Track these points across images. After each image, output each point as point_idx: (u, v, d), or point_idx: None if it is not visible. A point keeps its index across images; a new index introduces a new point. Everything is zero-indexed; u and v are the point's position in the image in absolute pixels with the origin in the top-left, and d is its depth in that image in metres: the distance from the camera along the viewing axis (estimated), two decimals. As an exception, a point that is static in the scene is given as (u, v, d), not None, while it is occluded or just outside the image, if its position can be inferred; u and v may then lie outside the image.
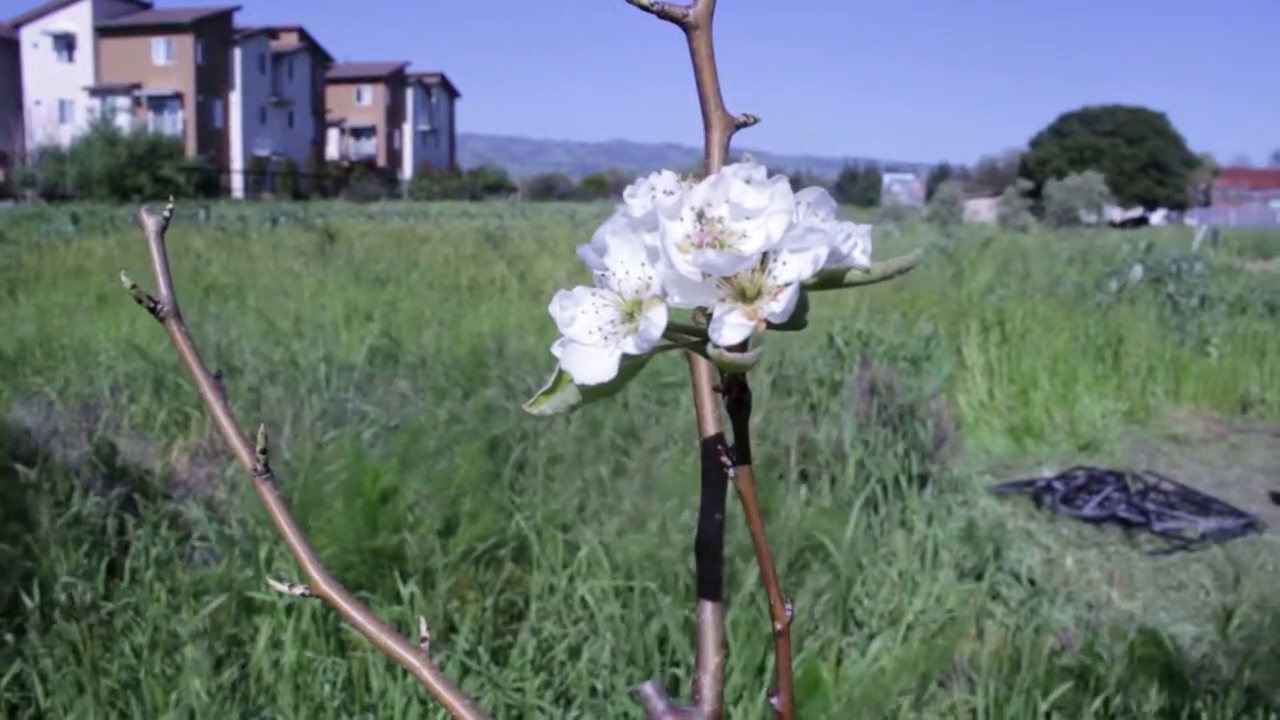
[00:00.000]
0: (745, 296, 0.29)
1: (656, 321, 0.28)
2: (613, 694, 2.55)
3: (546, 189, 64.63)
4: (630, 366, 0.30)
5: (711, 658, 0.40)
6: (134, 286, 0.47)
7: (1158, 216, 50.94)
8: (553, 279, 9.78)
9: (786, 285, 0.28)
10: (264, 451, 0.46)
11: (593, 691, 2.62)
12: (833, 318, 7.66)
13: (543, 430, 4.54)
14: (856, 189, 60.14)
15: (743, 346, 0.29)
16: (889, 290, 9.18)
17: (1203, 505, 4.81)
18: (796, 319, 0.31)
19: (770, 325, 0.29)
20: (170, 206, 0.50)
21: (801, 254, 0.28)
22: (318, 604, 2.72)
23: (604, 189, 67.57)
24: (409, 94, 63.63)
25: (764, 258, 0.29)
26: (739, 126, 0.40)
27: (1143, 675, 2.82)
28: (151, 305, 0.48)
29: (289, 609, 2.74)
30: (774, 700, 0.37)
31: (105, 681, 2.45)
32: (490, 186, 60.53)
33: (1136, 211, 50.60)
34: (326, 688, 2.48)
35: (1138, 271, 11.27)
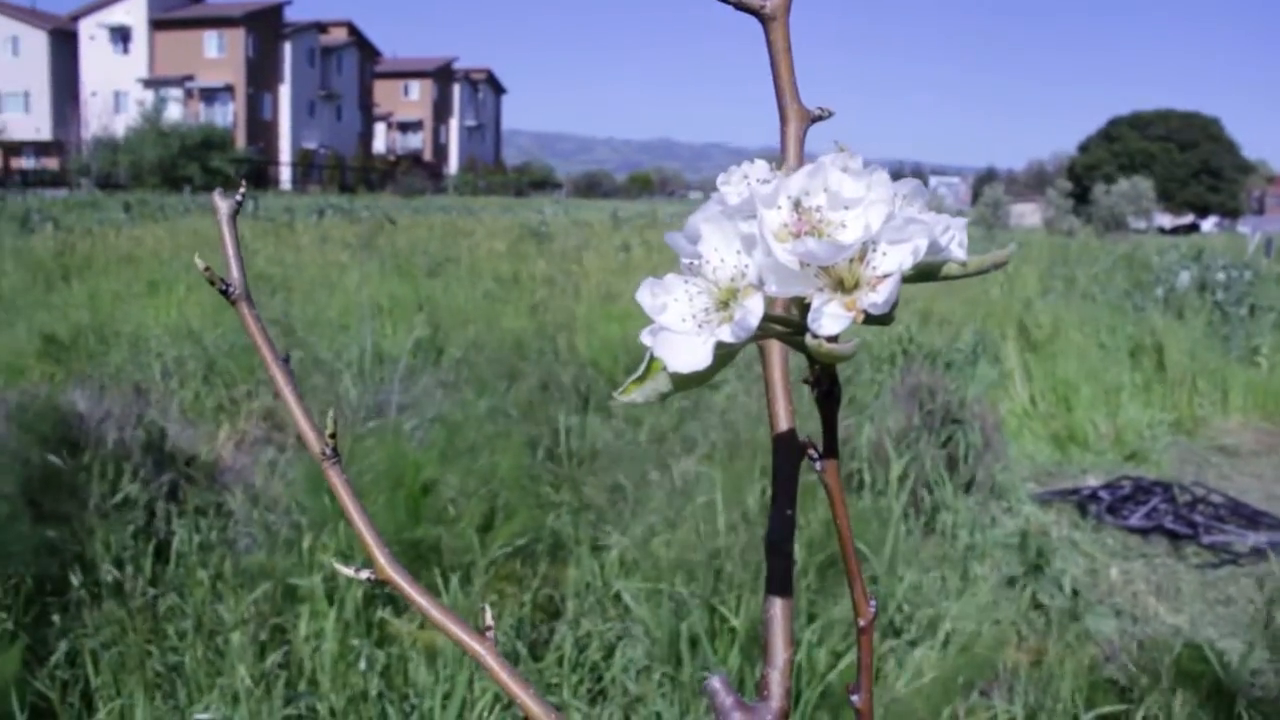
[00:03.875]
0: (844, 287, 0.28)
1: (754, 310, 0.28)
2: (645, 696, 2.55)
3: (591, 186, 64.71)
4: (722, 356, 0.30)
5: (780, 654, 0.40)
6: (207, 269, 0.48)
7: (1209, 224, 50.17)
8: (595, 275, 9.80)
9: (886, 276, 0.28)
10: (333, 436, 0.46)
11: (625, 691, 2.62)
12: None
13: (580, 428, 4.55)
14: (901, 192, 59.45)
15: (838, 338, 0.29)
16: (930, 294, 9.11)
17: (1252, 519, 4.73)
18: (888, 314, 0.30)
19: (867, 317, 0.29)
20: (242, 191, 0.51)
21: (901, 245, 0.28)
22: (359, 595, 2.74)
23: (648, 187, 67.57)
24: (456, 89, 64.00)
25: (862, 248, 0.28)
26: (815, 120, 0.40)
27: (1187, 690, 2.78)
28: (223, 288, 0.48)
29: (330, 598, 2.77)
30: (854, 698, 0.37)
31: (151, 663, 2.48)
32: (535, 183, 60.74)
33: (1187, 218, 49.86)
34: (367, 676, 2.50)
35: (1185, 278, 11.09)
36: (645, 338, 0.30)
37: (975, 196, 41.12)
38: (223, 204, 0.50)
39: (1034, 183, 58.71)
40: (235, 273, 0.48)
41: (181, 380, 5.16)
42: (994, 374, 6.48)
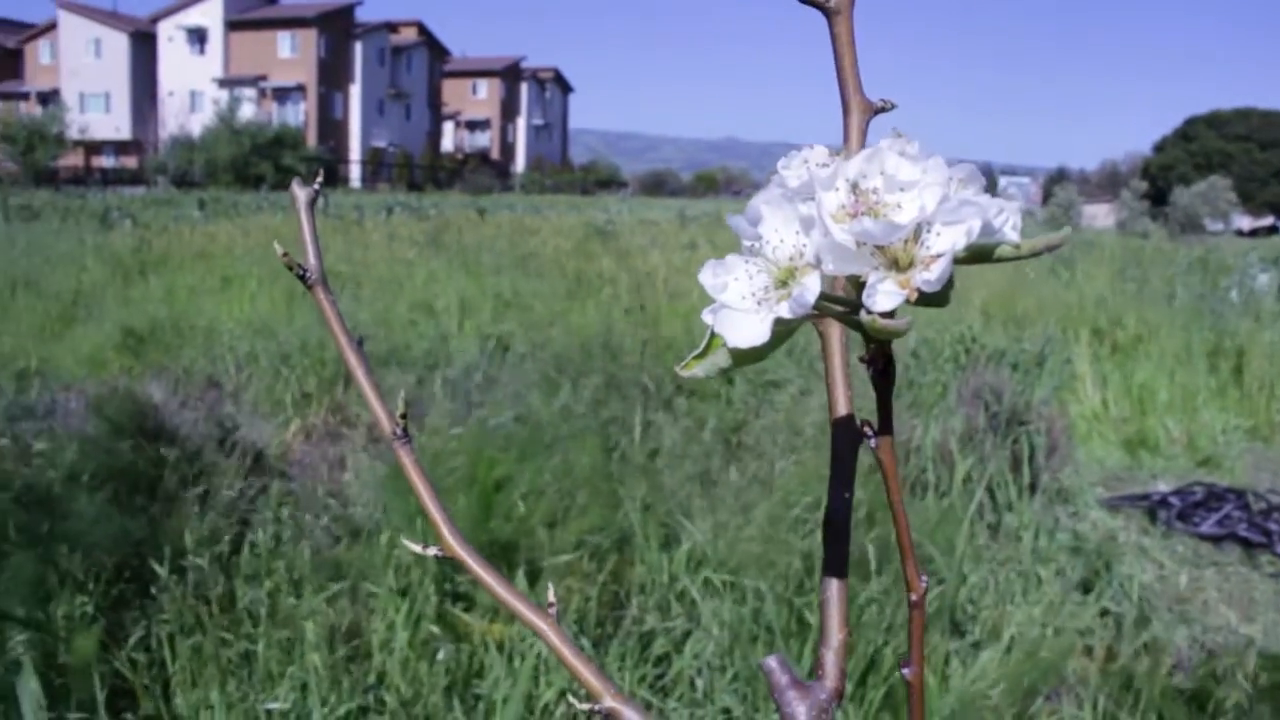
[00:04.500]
0: (898, 266, 0.29)
1: (810, 287, 0.29)
2: (712, 692, 2.56)
3: (657, 184, 64.78)
4: (780, 333, 0.31)
5: (835, 634, 0.41)
6: (285, 254, 0.50)
7: (1291, 225, 48.86)
8: (661, 273, 9.81)
9: (939, 256, 0.29)
10: (403, 416, 0.48)
11: (692, 685, 2.63)
12: (935, 318, 7.55)
13: (648, 425, 4.57)
14: (970, 192, 58.82)
15: (893, 315, 0.30)
16: (998, 294, 9.00)
17: (1329, 527, 4.61)
18: (942, 295, 0.31)
19: (921, 296, 0.30)
20: (320, 181, 0.53)
21: (955, 226, 0.29)
22: (431, 589, 2.79)
23: (714, 186, 67.44)
24: (524, 88, 64.43)
25: (917, 229, 0.29)
26: (877, 111, 0.41)
27: (1264, 703, 2.73)
28: (301, 273, 0.50)
29: (403, 591, 2.81)
30: (905, 671, 0.38)
31: (225, 651, 2.54)
32: (601, 181, 60.94)
33: (1267, 220, 48.62)
34: (436, 669, 2.53)
35: (1263, 281, 10.82)
36: (706, 316, 0.31)
37: (1046, 197, 40.50)
38: (301, 192, 0.52)
39: (1106, 183, 57.63)
40: (312, 259, 0.50)
41: (253, 374, 5.27)
42: (1062, 376, 6.38)
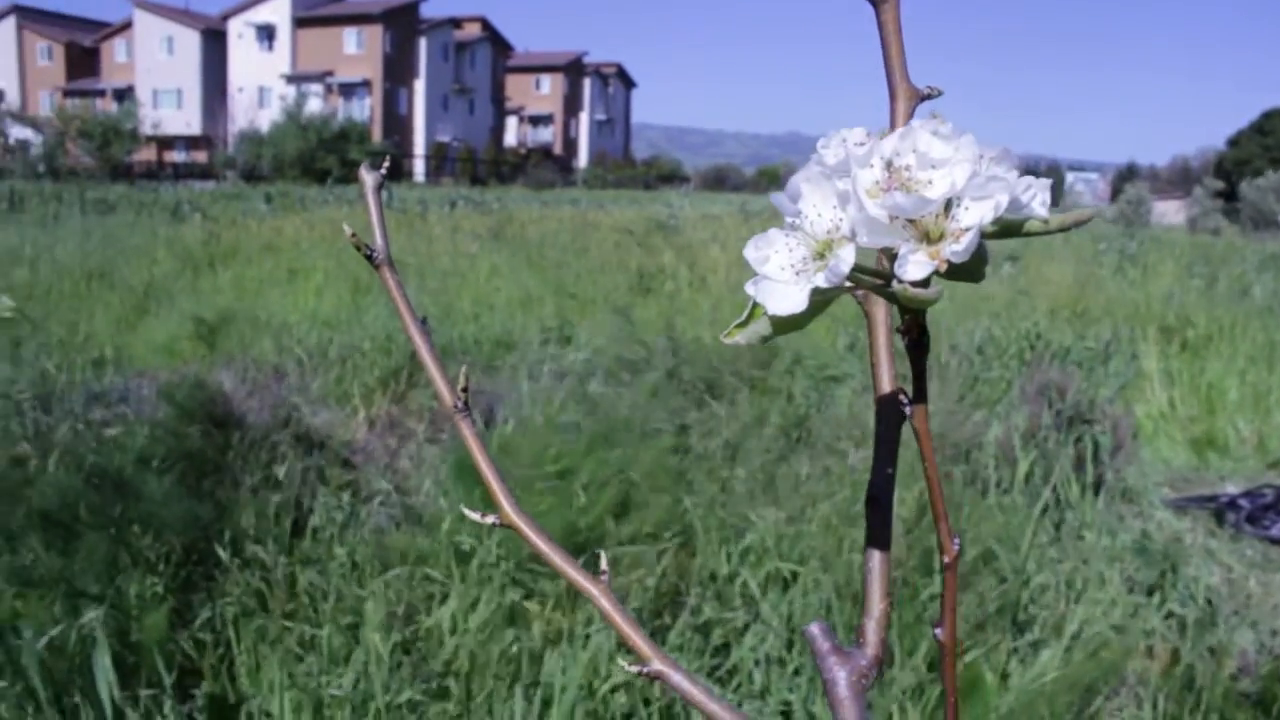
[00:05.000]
0: (929, 239, 0.31)
1: (845, 258, 0.30)
2: (770, 684, 2.57)
3: (719, 180, 64.59)
4: (818, 303, 0.33)
5: (877, 604, 0.42)
6: (353, 235, 0.52)
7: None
8: (721, 268, 9.81)
9: (968, 229, 0.30)
10: (464, 390, 0.50)
11: (750, 678, 2.64)
12: (999, 311, 7.47)
13: (710, 419, 4.58)
14: (1037, 188, 57.94)
15: (925, 285, 0.31)
16: (1064, 291, 8.87)
17: (1405, 531, 4.50)
18: (975, 270, 0.33)
19: (954, 270, 0.31)
20: (386, 165, 0.55)
21: (983, 201, 0.31)
22: (494, 574, 2.83)
23: (776, 181, 67.12)
24: (586, 83, 64.60)
25: (948, 204, 0.31)
26: (923, 98, 0.42)
27: (1328, 705, 2.68)
28: (368, 253, 0.52)
29: (464, 577, 2.86)
30: (937, 631, 0.39)
31: (287, 634, 2.60)
32: (663, 176, 60.90)
33: (1345, 217, 47.25)
34: (498, 655, 2.57)
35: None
36: (749, 287, 0.33)
37: (1115, 193, 39.74)
38: (369, 177, 0.54)
39: (1177, 179, 56.38)
40: (379, 240, 0.53)
41: (319, 365, 5.36)
42: (1129, 374, 6.28)
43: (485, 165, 52.59)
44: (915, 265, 0.30)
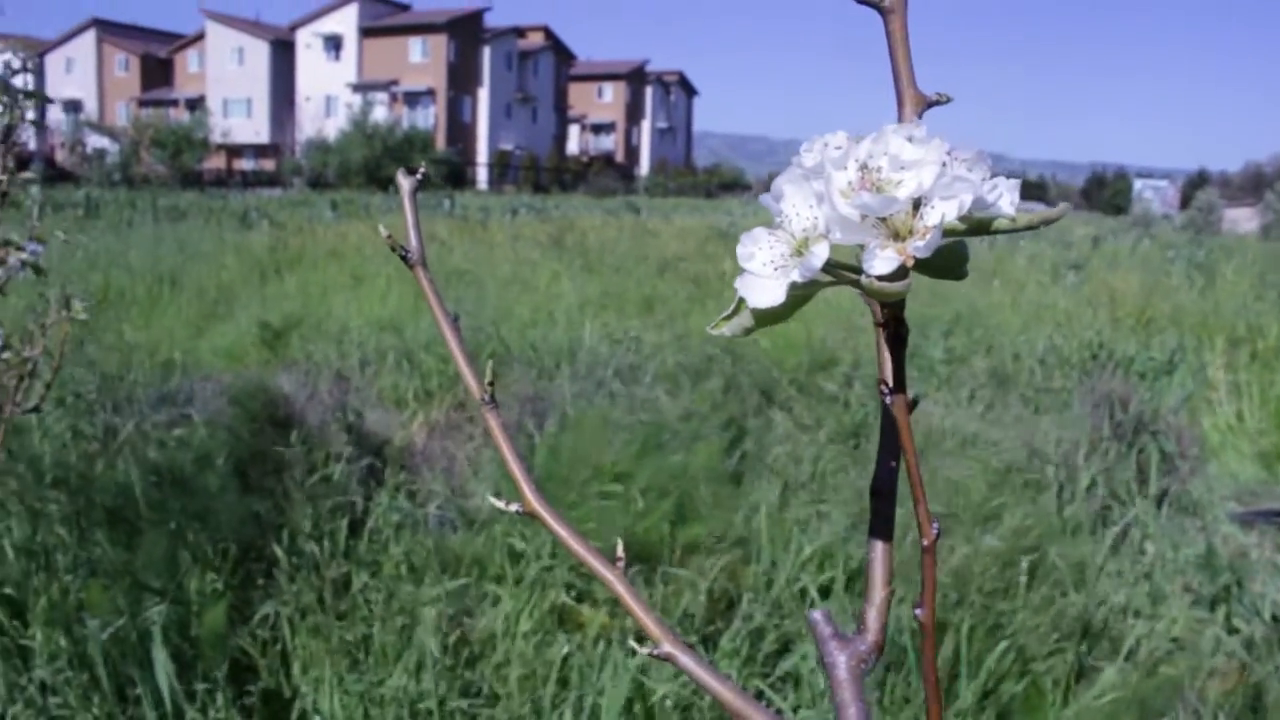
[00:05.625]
0: (898, 236, 0.33)
1: (819, 254, 0.32)
2: (820, 693, 2.57)
3: (779, 188, 64.16)
4: (797, 297, 0.35)
5: (879, 592, 0.44)
6: (389, 236, 0.55)
7: None
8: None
9: (933, 227, 0.32)
10: (490, 384, 0.53)
11: (796, 683, 2.64)
12: (1061, 320, 7.37)
13: (765, 427, 4.58)
14: (1103, 195, 57.23)
15: (895, 280, 0.33)
16: (1128, 299, 8.73)
17: None
18: (955, 268, 0.34)
19: (933, 267, 0.33)
20: (423, 170, 0.58)
21: (949, 200, 0.32)
22: (548, 579, 2.86)
23: (837, 190, 66.60)
24: (648, 92, 64.80)
25: (917, 204, 0.33)
26: (930, 105, 0.44)
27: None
28: (403, 254, 0.55)
29: (518, 580, 2.89)
30: (918, 612, 0.40)
31: (342, 634, 2.65)
32: (725, 184, 60.84)
33: None
34: (549, 659, 2.60)
35: None
36: (736, 283, 0.35)
37: (1185, 201, 38.97)
38: (405, 181, 0.57)
39: (1250, 186, 55.08)
40: (414, 241, 0.55)
41: (380, 369, 5.44)
42: (1195, 385, 6.17)
43: (547, 173, 52.96)
44: (882, 261, 0.32)
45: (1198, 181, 52.98)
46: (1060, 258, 13.45)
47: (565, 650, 2.61)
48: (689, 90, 71.32)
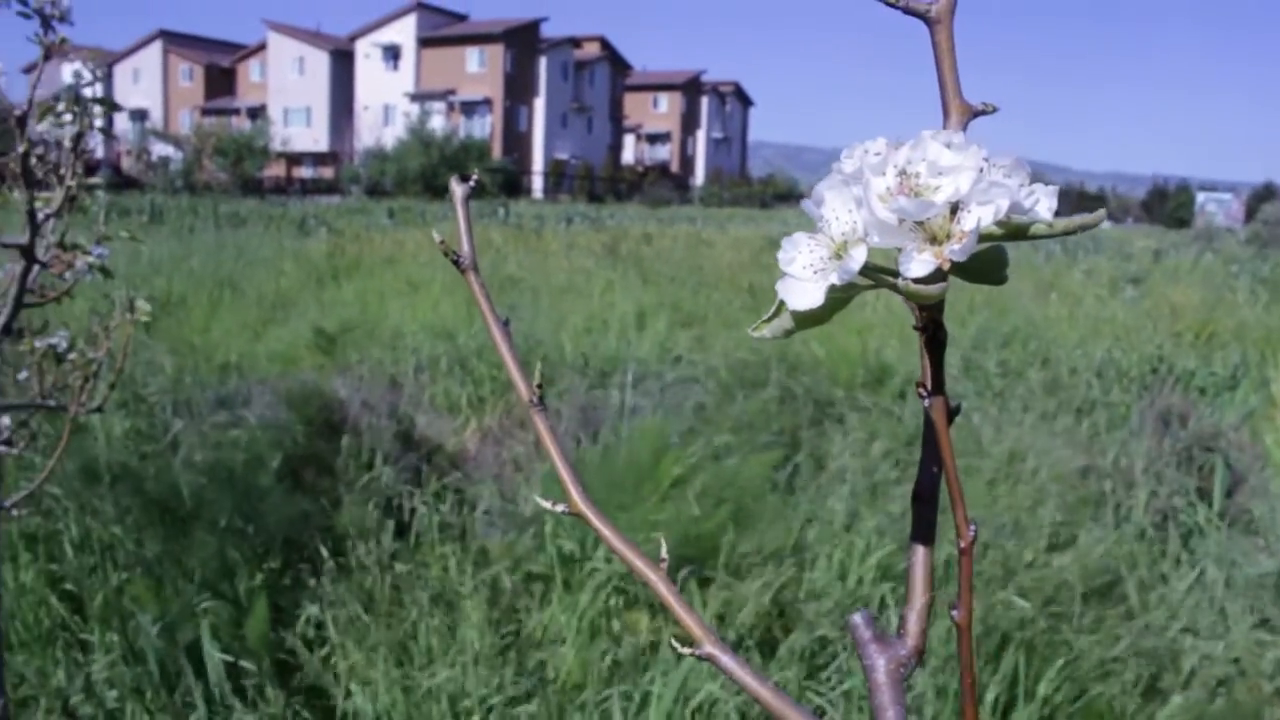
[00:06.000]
0: (935, 240, 0.33)
1: (857, 257, 0.33)
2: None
3: (834, 199, 63.84)
4: (836, 300, 0.35)
5: (919, 597, 0.44)
6: (442, 241, 0.56)
7: None
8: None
9: (969, 231, 0.33)
10: (539, 386, 0.53)
11: (847, 696, 2.63)
12: (1120, 334, 7.27)
13: (820, 439, 4.57)
14: (1165, 208, 56.28)
15: (931, 282, 0.33)
16: (1189, 314, 8.59)
17: None
18: (994, 273, 0.35)
19: (970, 271, 0.34)
20: (476, 176, 0.59)
21: (985, 205, 0.33)
22: (597, 579, 2.87)
23: (893, 200, 66.14)
24: (704, 102, 64.84)
25: (954, 209, 0.33)
26: (976, 114, 0.44)
27: None
28: (455, 258, 0.56)
29: (566, 582, 2.91)
30: (954, 613, 0.41)
31: (389, 632, 2.68)
32: (780, 195, 60.67)
33: None
34: (597, 660, 2.61)
35: None
36: (778, 286, 0.36)
37: (1250, 214, 38.21)
38: (458, 188, 0.58)
39: (1320, 199, 53.86)
40: (466, 246, 0.57)
41: (434, 375, 5.49)
42: (1257, 401, 6.05)
43: (602, 182, 53.17)
44: (919, 264, 0.33)
45: (1264, 194, 51.92)
46: (1119, 271, 13.27)
47: (612, 652, 2.63)
48: (745, 100, 71.27)
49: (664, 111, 63.46)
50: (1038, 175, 0.36)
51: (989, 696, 2.54)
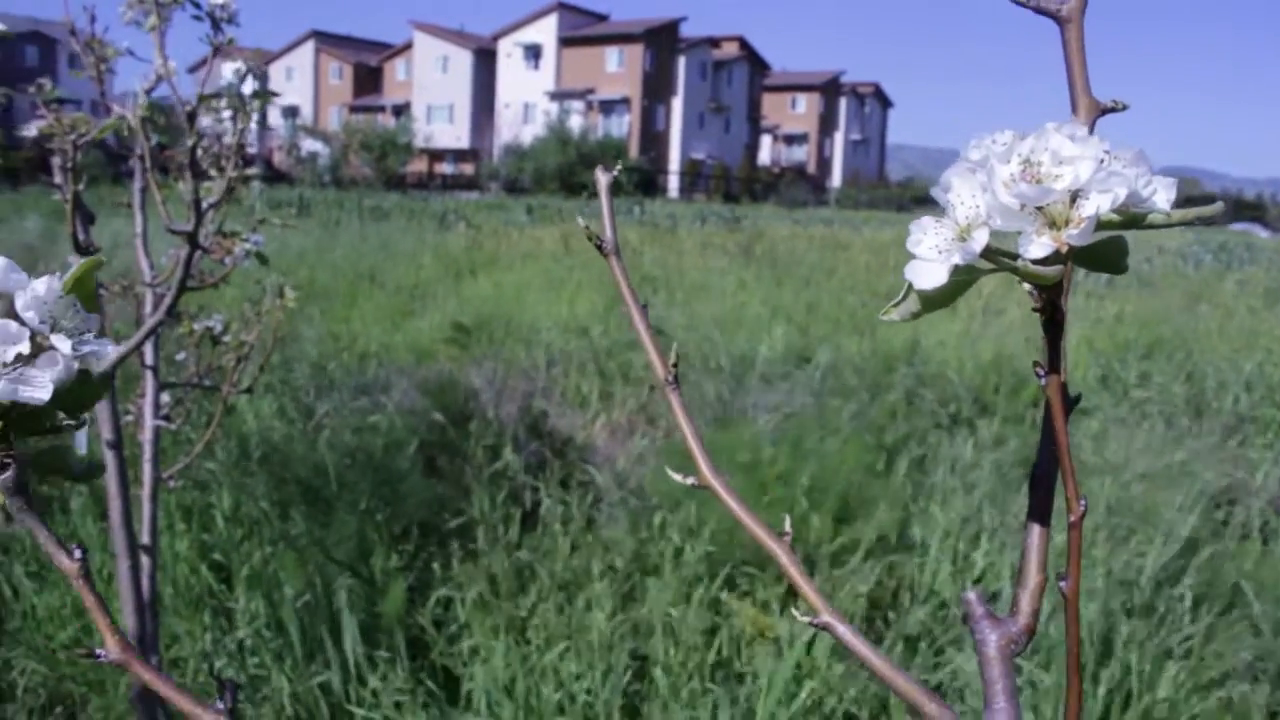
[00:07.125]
0: (1054, 225, 0.35)
1: (979, 239, 0.35)
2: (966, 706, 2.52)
3: (974, 203, 62.48)
4: (959, 282, 0.37)
5: (1033, 576, 0.46)
6: (586, 227, 0.60)
7: None
8: (971, 293, 9.54)
9: (1088, 217, 0.34)
10: (675, 365, 0.57)
11: (962, 697, 2.60)
12: (1273, 347, 6.95)
13: (943, 441, 4.51)
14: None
15: (1049, 264, 0.35)
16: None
17: None
18: (1115, 261, 0.37)
19: (1090, 258, 0.36)
20: (620, 166, 0.63)
21: (1104, 193, 0.35)
22: (702, 571, 2.90)
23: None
24: (842, 103, 64.17)
25: (1074, 196, 0.35)
26: (1105, 111, 0.45)
27: None
28: (598, 243, 0.60)
29: (678, 573, 2.95)
30: (1062, 584, 0.42)
31: (512, 614, 2.76)
32: (918, 198, 59.61)
33: None
34: (703, 644, 2.65)
35: None
36: (906, 269, 0.38)
37: None
38: (603, 177, 0.62)
39: None
40: (609, 232, 0.60)
41: (566, 370, 5.59)
42: None
43: (738, 182, 53.08)
44: (1037, 246, 0.35)
45: None
46: (1276, 282, 12.69)
47: (719, 642, 2.66)
48: (884, 102, 70.27)
49: (802, 112, 63.00)
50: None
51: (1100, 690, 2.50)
